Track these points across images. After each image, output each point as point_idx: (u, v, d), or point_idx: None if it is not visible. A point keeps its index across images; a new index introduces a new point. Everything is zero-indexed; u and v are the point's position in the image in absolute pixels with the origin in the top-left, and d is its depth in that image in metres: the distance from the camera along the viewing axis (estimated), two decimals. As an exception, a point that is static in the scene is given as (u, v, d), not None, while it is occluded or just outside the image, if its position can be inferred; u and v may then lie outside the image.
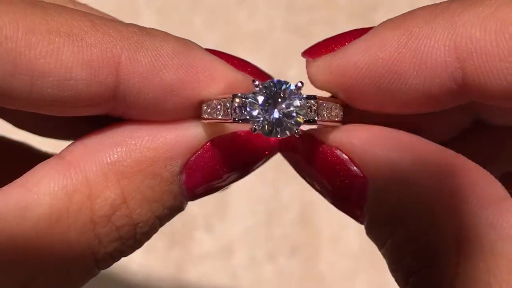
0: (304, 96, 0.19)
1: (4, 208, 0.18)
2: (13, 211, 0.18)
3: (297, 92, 0.19)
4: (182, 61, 0.19)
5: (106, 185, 0.19)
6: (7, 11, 0.18)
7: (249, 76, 0.21)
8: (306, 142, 0.21)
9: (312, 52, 0.22)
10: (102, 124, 0.21)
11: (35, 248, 0.18)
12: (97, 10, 0.21)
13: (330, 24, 0.53)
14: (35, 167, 0.19)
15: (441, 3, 0.20)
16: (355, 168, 0.20)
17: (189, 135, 0.20)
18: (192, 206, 0.50)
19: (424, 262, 0.19)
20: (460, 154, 0.19)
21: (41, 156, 0.27)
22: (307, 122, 0.19)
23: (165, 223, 0.21)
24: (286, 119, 0.19)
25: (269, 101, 0.19)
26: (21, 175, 0.19)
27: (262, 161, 0.22)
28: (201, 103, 0.20)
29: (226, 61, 0.21)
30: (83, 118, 0.20)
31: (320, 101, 0.19)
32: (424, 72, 0.19)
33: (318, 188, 0.22)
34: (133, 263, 0.46)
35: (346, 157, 0.20)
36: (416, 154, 0.19)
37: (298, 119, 0.19)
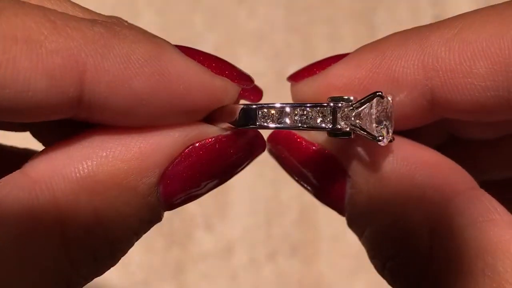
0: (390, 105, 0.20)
1: None
2: None
3: (391, 105, 0.20)
4: (154, 68, 0.18)
5: (77, 204, 0.17)
6: None
7: (226, 79, 0.20)
8: (290, 139, 0.22)
9: (295, 77, 0.22)
10: (71, 124, 0.19)
11: (3, 271, 0.16)
12: (57, 4, 0.19)
13: (330, 24, 0.53)
14: None
15: (412, 28, 0.21)
16: (337, 163, 0.21)
17: (166, 143, 0.19)
18: (192, 206, 0.50)
19: (399, 248, 0.20)
20: (430, 147, 0.21)
21: (4, 151, 0.24)
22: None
23: (141, 236, 0.20)
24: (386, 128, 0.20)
25: (381, 114, 0.20)
26: None
27: (242, 167, 0.21)
28: (177, 110, 0.19)
29: (202, 63, 0.19)
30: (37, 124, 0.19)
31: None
32: (396, 90, 0.20)
33: (303, 183, 0.22)
34: (133, 263, 0.46)
35: (328, 152, 0.21)
36: (390, 149, 0.20)
37: (391, 127, 0.20)
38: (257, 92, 0.22)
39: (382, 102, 0.20)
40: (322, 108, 0.19)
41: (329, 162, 0.21)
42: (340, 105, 0.19)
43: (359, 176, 0.21)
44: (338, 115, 0.19)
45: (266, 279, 0.46)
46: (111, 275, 0.45)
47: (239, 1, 0.54)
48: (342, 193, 0.21)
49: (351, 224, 0.22)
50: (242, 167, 0.21)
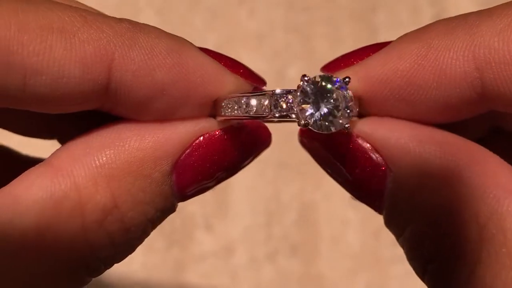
0: (351, 91, 0.19)
1: None
2: (1, 220, 0.17)
3: (344, 87, 0.19)
4: (175, 61, 0.19)
5: (96, 189, 0.18)
6: None
7: (240, 78, 0.21)
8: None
9: (331, 67, 0.21)
10: (84, 123, 0.20)
11: (24, 259, 0.18)
12: (87, 6, 0.21)
13: (330, 24, 0.53)
14: (22, 175, 0.19)
15: (457, 16, 0.20)
16: (377, 156, 0.20)
17: (178, 132, 0.20)
18: (192, 206, 0.50)
19: (444, 250, 0.19)
20: (479, 144, 0.20)
21: (22, 160, 0.26)
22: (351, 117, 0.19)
23: (156, 226, 0.21)
24: (333, 114, 0.19)
25: (318, 96, 0.19)
26: (2, 179, 0.19)
27: (254, 157, 0.22)
28: (193, 102, 0.20)
29: (219, 61, 0.21)
30: (66, 117, 0.20)
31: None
32: (443, 83, 0.19)
33: (337, 177, 0.22)
34: (133, 263, 0.46)
35: (368, 145, 0.20)
36: (437, 145, 0.19)
37: (346, 114, 0.19)
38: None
39: (324, 88, 0.19)
40: (263, 96, 0.19)
41: (368, 154, 0.20)
42: (278, 91, 0.19)
43: (402, 170, 0.20)
44: (281, 102, 0.19)
45: (266, 279, 0.46)
46: (111, 275, 0.45)
47: (239, 1, 0.54)
48: (381, 189, 0.20)
49: (390, 222, 0.21)
50: (250, 159, 0.22)
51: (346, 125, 0.19)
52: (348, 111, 0.19)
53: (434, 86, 0.19)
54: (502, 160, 0.19)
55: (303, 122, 0.19)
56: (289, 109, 0.19)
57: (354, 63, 0.21)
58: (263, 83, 0.22)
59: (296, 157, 0.48)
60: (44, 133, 0.25)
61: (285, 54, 0.51)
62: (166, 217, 0.21)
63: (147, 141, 0.19)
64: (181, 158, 0.20)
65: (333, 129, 0.19)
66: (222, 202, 0.48)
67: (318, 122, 0.19)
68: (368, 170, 0.20)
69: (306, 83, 0.19)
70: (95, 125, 0.20)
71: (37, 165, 0.19)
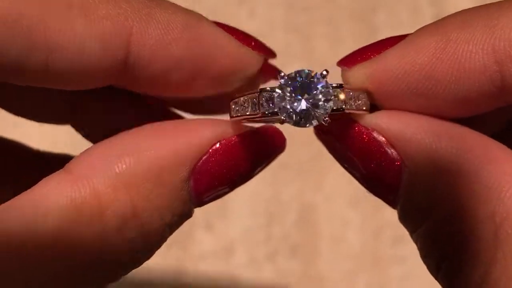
0: (332, 84, 0.19)
1: (13, 223, 0.17)
2: (21, 226, 0.17)
3: (323, 81, 0.19)
4: (192, 35, 0.20)
5: (115, 196, 0.19)
6: None
7: (252, 50, 0.22)
8: (342, 124, 0.21)
9: (347, 61, 0.21)
10: (98, 105, 0.21)
11: (45, 264, 0.18)
12: None
13: (330, 24, 0.53)
14: (42, 181, 0.19)
15: (475, 8, 0.20)
16: (392, 150, 0.20)
17: (196, 139, 0.20)
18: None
19: (458, 247, 0.18)
20: (496, 141, 0.19)
21: (38, 156, 0.27)
22: (335, 111, 0.19)
23: (174, 231, 0.21)
24: (313, 108, 0.19)
25: (296, 91, 0.19)
26: (19, 176, 0.19)
27: (269, 162, 0.22)
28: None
29: (232, 35, 0.21)
30: (80, 99, 0.20)
31: (347, 89, 0.20)
32: (462, 77, 0.19)
33: (353, 171, 0.21)
34: (133, 263, 0.46)
35: (383, 138, 0.20)
36: (454, 140, 0.19)
37: (325, 108, 0.19)
38: (274, 69, 0.23)
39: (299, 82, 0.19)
40: (253, 95, 0.19)
41: (383, 148, 0.20)
42: (268, 89, 0.19)
43: (417, 165, 0.19)
44: (262, 100, 0.19)
45: (266, 279, 0.46)
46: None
47: (239, 1, 0.54)
48: (396, 183, 0.20)
49: (405, 217, 0.20)
50: (265, 162, 0.22)
51: (325, 119, 0.19)
52: (327, 104, 0.19)
53: (453, 80, 0.19)
54: None
55: (282, 118, 0.19)
56: (269, 106, 0.19)
57: (371, 57, 0.20)
58: (274, 54, 0.23)
59: (296, 158, 0.48)
60: (58, 118, 0.25)
61: (285, 54, 0.51)
62: (183, 222, 0.21)
63: (166, 148, 0.19)
64: (199, 164, 0.20)
65: (308, 125, 0.19)
66: (222, 202, 0.48)
67: (295, 117, 0.19)
68: (383, 164, 0.20)
69: (283, 80, 0.19)
70: (109, 107, 0.20)
71: (57, 172, 0.19)
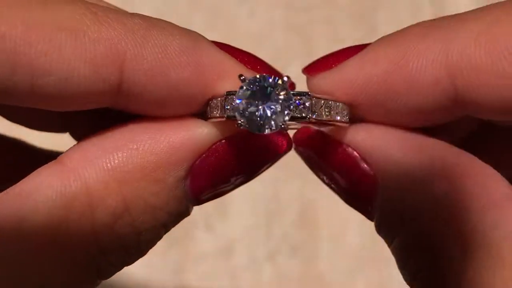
0: (293, 92, 0.19)
1: (1, 218, 0.17)
2: (9, 221, 0.17)
3: (285, 88, 0.18)
4: (190, 59, 0.19)
5: (107, 192, 0.18)
6: (4, 6, 0.17)
7: (258, 73, 0.20)
8: (319, 138, 0.21)
9: (311, 69, 0.21)
10: (98, 117, 0.20)
11: (34, 260, 0.17)
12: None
13: (330, 24, 0.53)
14: (33, 173, 0.18)
15: (434, 20, 0.19)
16: (365, 165, 0.20)
17: (194, 137, 0.19)
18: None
19: (431, 262, 0.18)
20: (465, 152, 0.19)
21: (38, 154, 0.26)
22: (297, 118, 0.19)
23: (170, 229, 0.20)
24: (273, 114, 0.18)
25: (256, 96, 0.18)
26: (18, 174, 0.19)
27: (270, 163, 0.21)
28: (208, 101, 0.19)
29: (236, 57, 0.20)
30: (79, 112, 0.19)
31: (317, 99, 0.19)
32: (415, 90, 0.19)
33: (330, 184, 0.22)
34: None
35: (357, 154, 0.20)
36: (423, 155, 0.19)
37: (285, 115, 0.18)
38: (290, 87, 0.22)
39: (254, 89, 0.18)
40: (222, 98, 0.19)
41: (357, 163, 0.20)
42: (234, 92, 0.18)
43: (390, 180, 0.19)
44: (227, 103, 0.19)
45: (266, 279, 0.46)
46: (111, 275, 0.45)
47: (239, 1, 0.54)
48: (371, 197, 0.20)
49: (380, 231, 0.21)
50: (268, 164, 0.21)
51: (282, 125, 0.18)
52: (286, 111, 0.18)
53: (406, 92, 0.19)
54: (489, 169, 0.19)
55: (239, 122, 0.18)
56: (232, 109, 0.19)
57: (333, 66, 0.20)
58: (282, 77, 0.22)
59: (296, 157, 0.48)
60: (56, 127, 0.24)
61: (285, 54, 0.51)
62: (181, 221, 0.20)
63: (161, 145, 0.19)
64: (196, 163, 0.19)
65: (267, 130, 0.18)
66: (222, 202, 0.48)
67: (251, 123, 0.18)
68: (358, 178, 0.20)
69: (244, 84, 0.18)
70: (110, 120, 0.20)
71: (48, 164, 0.19)
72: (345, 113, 0.20)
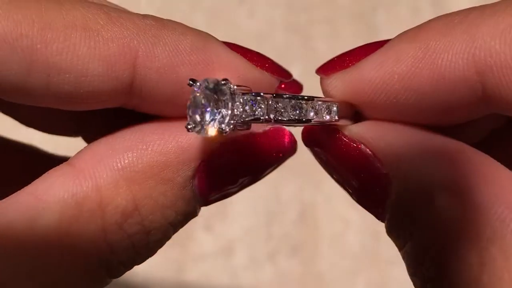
0: (238, 92, 0.18)
1: (13, 217, 0.17)
2: (22, 219, 0.17)
3: (232, 91, 0.18)
4: (200, 58, 0.19)
5: (117, 192, 0.18)
6: (21, 7, 0.17)
7: (266, 72, 0.21)
8: (330, 136, 0.20)
9: (326, 69, 0.20)
10: (110, 120, 0.20)
11: (46, 258, 0.17)
12: (109, 2, 0.21)
13: (330, 24, 0.53)
14: (44, 174, 0.19)
15: (457, 13, 0.19)
16: (378, 164, 0.19)
17: (202, 139, 0.19)
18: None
19: (443, 271, 0.18)
20: (481, 152, 0.19)
21: (49, 159, 0.26)
22: (254, 121, 0.18)
23: (179, 229, 0.20)
24: (212, 118, 0.18)
25: (200, 99, 0.18)
26: (30, 178, 0.19)
27: (277, 164, 0.21)
28: None
29: (244, 56, 0.20)
30: (91, 115, 0.20)
31: (277, 99, 0.19)
32: (442, 87, 0.18)
33: (340, 182, 0.21)
34: (133, 263, 0.46)
35: (370, 152, 0.20)
36: (440, 158, 0.18)
37: (226, 115, 0.18)
38: (296, 86, 0.22)
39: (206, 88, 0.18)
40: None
41: (371, 162, 0.19)
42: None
43: (403, 182, 0.19)
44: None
45: (266, 279, 0.46)
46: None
47: (239, 1, 0.54)
48: (383, 198, 0.19)
49: (391, 233, 0.20)
50: (276, 164, 0.21)
51: (221, 129, 0.18)
52: (228, 112, 0.18)
53: (433, 90, 0.18)
54: (509, 173, 0.18)
55: (186, 124, 0.18)
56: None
57: (350, 65, 0.20)
58: (289, 76, 0.22)
59: (296, 157, 0.48)
60: (69, 131, 0.25)
61: (285, 54, 0.51)
62: (189, 221, 0.21)
63: (170, 145, 0.19)
64: (204, 163, 0.19)
65: (203, 133, 0.18)
66: (222, 202, 0.48)
67: (196, 125, 0.18)
68: (370, 178, 0.20)
69: (195, 86, 0.18)
70: (121, 123, 0.20)
71: (59, 166, 0.19)
72: (348, 112, 0.20)
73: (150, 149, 0.19)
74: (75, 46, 0.18)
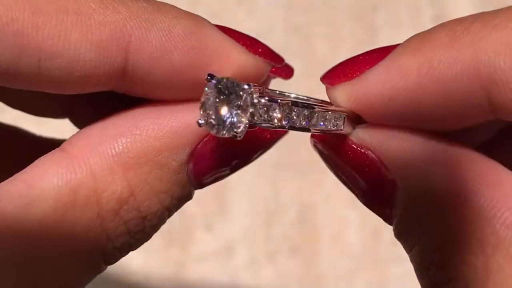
0: (255, 96, 0.18)
1: (7, 205, 0.17)
2: (16, 208, 0.17)
3: (250, 92, 0.18)
4: (194, 43, 0.19)
5: (112, 178, 0.18)
6: None
7: (259, 58, 0.21)
8: (338, 140, 0.20)
9: (330, 78, 0.20)
10: (98, 102, 0.20)
11: (41, 245, 0.17)
12: None
13: (330, 24, 0.53)
14: (37, 161, 0.18)
15: (460, 22, 0.18)
16: (384, 170, 0.19)
17: (195, 122, 0.19)
18: (192, 206, 0.50)
19: (451, 276, 0.18)
20: (488, 158, 0.19)
21: (37, 141, 0.26)
22: (255, 125, 0.18)
23: (174, 213, 0.21)
24: (229, 120, 0.18)
25: (219, 98, 0.18)
26: (17, 161, 0.19)
27: (269, 146, 0.21)
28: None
29: (238, 41, 0.20)
30: (79, 97, 0.20)
31: (293, 107, 0.19)
32: (448, 102, 0.18)
33: (348, 185, 0.21)
34: (133, 262, 0.46)
35: (376, 158, 0.20)
36: (446, 164, 0.18)
37: (240, 120, 0.18)
38: (288, 70, 0.23)
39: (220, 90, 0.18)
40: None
41: (378, 167, 0.19)
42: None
43: (410, 188, 0.19)
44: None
45: (266, 279, 0.46)
46: (111, 275, 0.45)
47: (239, 1, 0.54)
48: (391, 201, 0.19)
49: (399, 236, 0.20)
50: (266, 147, 0.21)
51: (235, 133, 0.18)
52: (246, 121, 0.18)
53: (438, 104, 0.18)
54: (504, 171, 0.18)
55: (198, 120, 0.18)
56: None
57: (354, 76, 0.20)
58: (282, 61, 0.22)
59: (295, 158, 0.48)
60: (56, 113, 0.25)
61: (285, 54, 0.51)
62: (183, 205, 0.21)
63: (164, 129, 0.19)
64: (198, 147, 0.19)
65: (215, 133, 0.18)
66: (221, 202, 0.48)
67: (209, 124, 0.18)
68: (377, 183, 0.20)
69: (211, 84, 0.18)
70: (111, 104, 0.20)
71: (51, 152, 0.19)
72: (348, 121, 0.20)
73: (144, 134, 0.19)
74: (67, 30, 0.17)
